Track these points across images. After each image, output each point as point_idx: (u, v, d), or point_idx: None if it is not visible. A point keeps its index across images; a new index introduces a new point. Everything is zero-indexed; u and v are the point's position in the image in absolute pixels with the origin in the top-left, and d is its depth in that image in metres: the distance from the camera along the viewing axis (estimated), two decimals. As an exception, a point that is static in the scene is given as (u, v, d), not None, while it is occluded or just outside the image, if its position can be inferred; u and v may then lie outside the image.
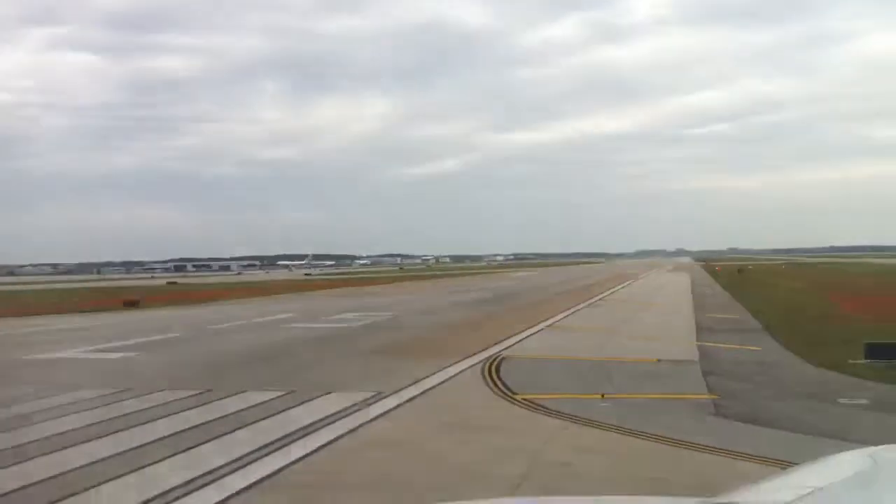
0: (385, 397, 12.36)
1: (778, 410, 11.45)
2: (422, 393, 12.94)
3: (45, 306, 43.03)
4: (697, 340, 20.13)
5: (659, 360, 16.65)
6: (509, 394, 12.73)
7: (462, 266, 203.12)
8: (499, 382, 13.83)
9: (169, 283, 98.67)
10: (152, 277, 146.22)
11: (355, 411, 11.30)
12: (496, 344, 19.41)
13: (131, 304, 43.68)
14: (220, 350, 20.17)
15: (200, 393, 13.23)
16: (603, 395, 12.09)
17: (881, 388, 12.92)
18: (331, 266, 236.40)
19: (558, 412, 11.00)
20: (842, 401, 11.90)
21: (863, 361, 15.30)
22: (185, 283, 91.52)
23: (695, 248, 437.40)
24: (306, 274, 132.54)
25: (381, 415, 11.13)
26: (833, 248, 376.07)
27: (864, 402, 11.77)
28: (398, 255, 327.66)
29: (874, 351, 15.51)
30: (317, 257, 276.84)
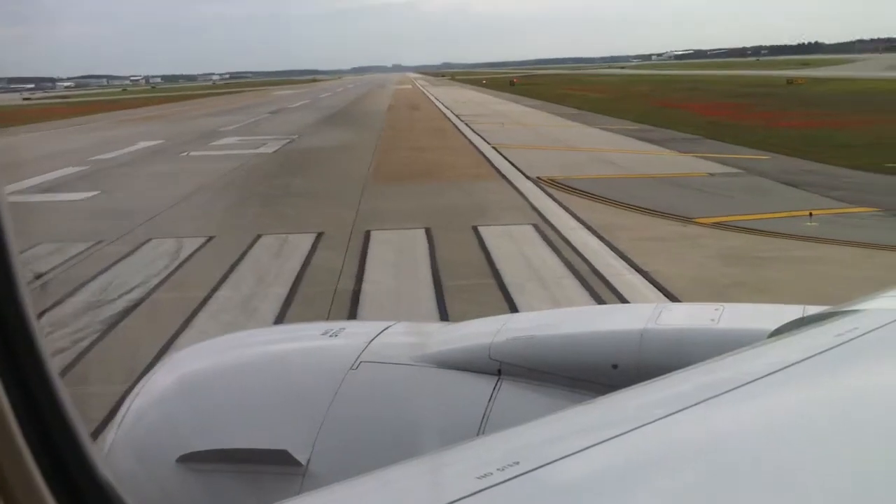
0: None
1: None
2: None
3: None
4: (680, 152, 20.23)
5: (711, 175, 16.50)
6: (686, 220, 11.82)
7: (189, 86, 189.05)
8: (647, 211, 12.66)
9: None
10: None
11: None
12: (491, 166, 18.29)
13: None
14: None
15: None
16: (811, 213, 11.51)
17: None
18: (32, 89, 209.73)
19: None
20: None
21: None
22: None
23: (409, 63, 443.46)
24: (25, 99, 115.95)
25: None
26: (539, 60, 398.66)
27: None
28: (104, 77, 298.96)
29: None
30: (11, 80, 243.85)
